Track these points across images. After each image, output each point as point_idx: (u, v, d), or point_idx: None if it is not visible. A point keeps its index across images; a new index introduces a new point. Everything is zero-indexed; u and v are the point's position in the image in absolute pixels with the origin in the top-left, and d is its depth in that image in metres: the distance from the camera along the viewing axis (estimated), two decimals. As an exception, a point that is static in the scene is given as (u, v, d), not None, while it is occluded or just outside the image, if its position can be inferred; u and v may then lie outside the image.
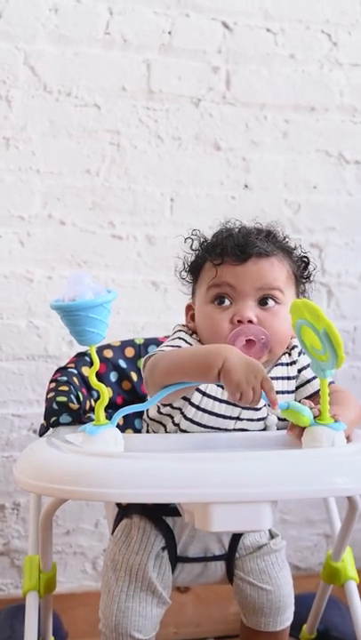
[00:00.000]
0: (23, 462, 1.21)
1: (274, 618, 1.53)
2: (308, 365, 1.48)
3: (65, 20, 2.17)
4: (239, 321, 1.41)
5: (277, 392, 1.37)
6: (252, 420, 1.43)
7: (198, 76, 2.26)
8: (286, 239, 1.54)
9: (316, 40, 2.34)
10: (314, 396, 1.47)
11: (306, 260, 1.55)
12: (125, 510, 1.52)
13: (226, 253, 1.45)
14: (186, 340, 1.47)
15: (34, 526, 1.64)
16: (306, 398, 1.46)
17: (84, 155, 2.20)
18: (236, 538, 1.52)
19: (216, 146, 2.28)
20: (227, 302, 1.44)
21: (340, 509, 1.70)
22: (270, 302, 1.44)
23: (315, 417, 1.26)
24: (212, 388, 1.42)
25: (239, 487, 1.10)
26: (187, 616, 2.21)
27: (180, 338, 1.48)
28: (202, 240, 1.55)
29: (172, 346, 1.46)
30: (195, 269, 1.54)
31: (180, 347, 1.45)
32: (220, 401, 1.42)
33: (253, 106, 2.30)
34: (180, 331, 1.51)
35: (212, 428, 1.42)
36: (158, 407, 1.47)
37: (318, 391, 1.43)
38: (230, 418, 1.42)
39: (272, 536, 1.56)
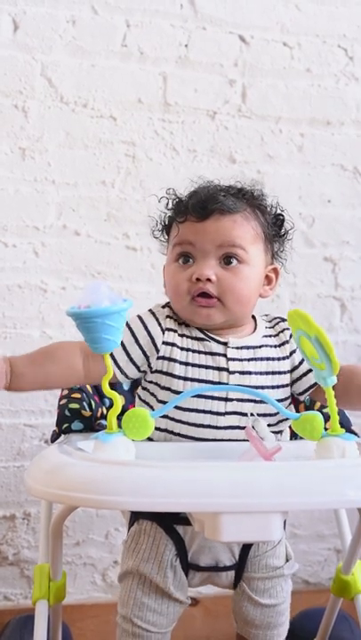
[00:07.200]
0: (34, 469, 1.20)
1: (264, 631, 1.51)
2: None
3: (82, 32, 2.18)
4: (198, 279, 1.41)
5: (270, 373, 1.43)
6: (242, 400, 1.40)
7: (214, 88, 2.27)
8: (262, 197, 1.52)
9: (332, 54, 2.35)
10: (310, 390, 1.47)
11: (281, 217, 1.54)
12: (137, 515, 1.51)
13: (188, 211, 1.44)
14: (130, 326, 1.44)
15: (44, 535, 1.63)
16: (302, 393, 1.47)
17: (99, 166, 2.21)
18: (246, 549, 1.51)
19: (231, 159, 2.29)
20: (190, 261, 1.44)
21: (351, 523, 1.69)
22: (233, 261, 1.42)
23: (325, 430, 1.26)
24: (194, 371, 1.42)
25: (250, 497, 1.08)
26: (196, 629, 2.20)
27: (138, 316, 1.47)
28: (173, 199, 1.53)
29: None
30: (166, 229, 1.54)
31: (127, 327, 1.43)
32: (206, 367, 1.42)
33: (269, 119, 2.31)
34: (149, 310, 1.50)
35: (202, 411, 1.41)
36: (145, 387, 1.49)
37: (313, 385, 1.45)
38: (220, 399, 1.40)
39: (287, 559, 1.53)
